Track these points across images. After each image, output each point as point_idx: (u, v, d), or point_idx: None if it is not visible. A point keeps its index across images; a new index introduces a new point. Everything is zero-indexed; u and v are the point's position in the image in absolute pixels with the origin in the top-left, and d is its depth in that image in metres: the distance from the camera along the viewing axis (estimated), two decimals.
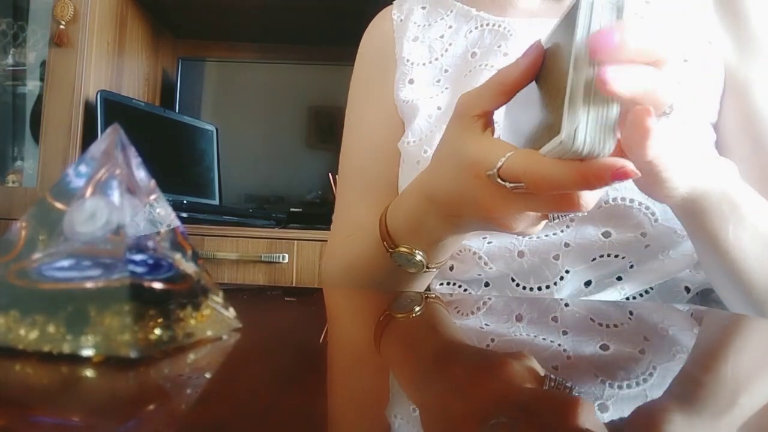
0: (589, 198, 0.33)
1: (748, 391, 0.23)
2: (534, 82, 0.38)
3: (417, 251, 0.47)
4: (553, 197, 0.34)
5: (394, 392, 0.21)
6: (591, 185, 0.31)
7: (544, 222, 0.40)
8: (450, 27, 0.65)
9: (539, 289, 0.55)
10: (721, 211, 0.44)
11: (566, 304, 0.46)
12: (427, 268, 0.48)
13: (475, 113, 0.39)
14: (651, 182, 0.39)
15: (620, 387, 0.22)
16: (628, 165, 0.30)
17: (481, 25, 0.63)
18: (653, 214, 0.51)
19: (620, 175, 0.30)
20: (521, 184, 0.34)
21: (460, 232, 0.46)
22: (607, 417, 0.18)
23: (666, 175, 0.38)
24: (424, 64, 0.65)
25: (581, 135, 0.30)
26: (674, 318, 0.43)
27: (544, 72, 0.36)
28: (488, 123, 0.40)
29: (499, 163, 0.35)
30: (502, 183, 0.35)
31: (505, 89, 0.38)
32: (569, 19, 0.33)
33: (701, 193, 0.42)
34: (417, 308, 0.41)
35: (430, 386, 0.21)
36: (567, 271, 0.54)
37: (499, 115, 0.42)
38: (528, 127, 0.37)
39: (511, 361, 0.26)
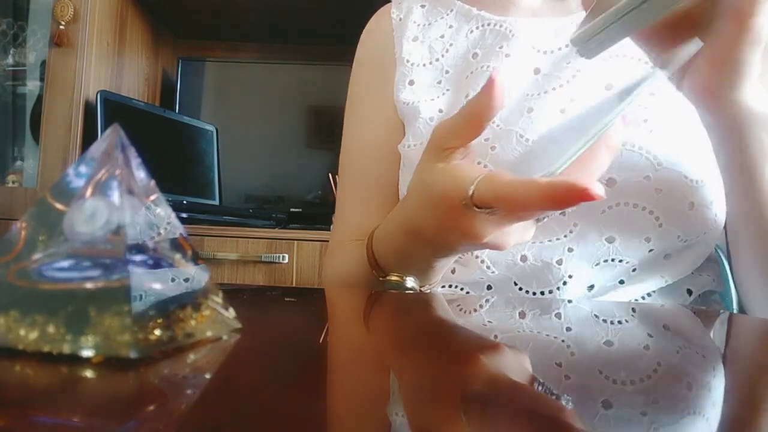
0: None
1: (751, 388, 0.23)
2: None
3: (408, 278, 0.48)
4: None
5: (395, 391, 0.21)
6: (558, 206, 0.32)
7: (534, 227, 0.41)
8: (450, 27, 0.65)
9: (542, 293, 0.55)
10: (761, 141, 0.43)
11: (569, 301, 0.46)
12: (420, 290, 0.49)
13: (451, 146, 0.39)
14: (726, 75, 0.39)
15: (624, 383, 0.22)
16: (593, 188, 0.30)
17: (482, 25, 0.63)
18: (658, 218, 0.51)
19: (586, 198, 0.30)
20: (496, 209, 0.35)
21: (452, 256, 0.46)
22: (612, 414, 0.18)
23: (743, 67, 0.38)
24: (424, 65, 0.64)
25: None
26: (677, 315, 0.43)
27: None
28: (464, 153, 0.40)
29: (470, 191, 0.36)
30: (479, 210, 0.36)
31: (478, 121, 0.38)
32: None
33: (750, 111, 0.41)
34: (419, 307, 0.41)
35: (432, 385, 0.21)
36: (570, 276, 0.53)
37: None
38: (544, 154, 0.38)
39: (512, 358, 0.26)
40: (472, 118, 0.38)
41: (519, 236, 0.40)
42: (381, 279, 0.49)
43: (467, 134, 0.39)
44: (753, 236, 0.48)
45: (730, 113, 0.42)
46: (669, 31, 0.40)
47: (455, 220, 0.38)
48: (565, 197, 0.31)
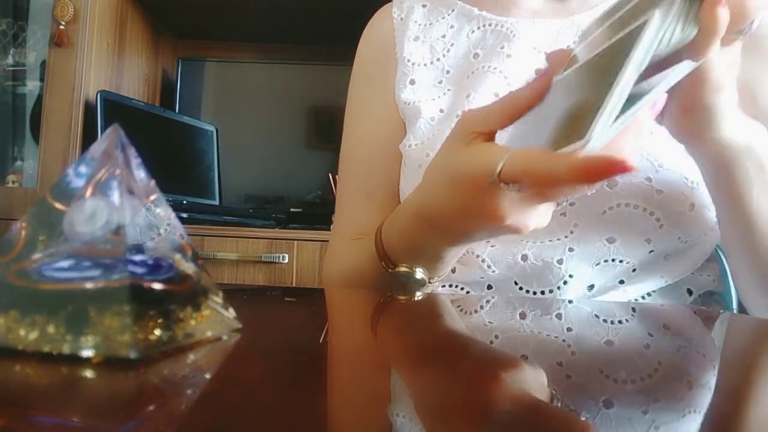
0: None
1: (751, 387, 0.23)
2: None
3: (417, 269, 0.47)
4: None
5: (395, 392, 0.21)
6: (593, 180, 0.31)
7: (550, 214, 0.40)
8: (451, 27, 0.65)
9: (542, 293, 0.55)
10: (746, 170, 0.44)
11: (570, 302, 0.46)
12: (429, 282, 0.48)
13: (479, 131, 0.39)
14: (699, 121, 0.40)
15: (625, 382, 0.22)
16: (629, 160, 0.29)
17: (484, 26, 0.63)
18: (658, 219, 0.51)
19: (621, 170, 0.29)
20: (524, 184, 0.34)
21: (466, 244, 0.46)
22: (613, 413, 0.18)
23: (713, 111, 0.39)
24: (425, 65, 0.64)
25: (597, 141, 0.31)
26: (677, 315, 0.43)
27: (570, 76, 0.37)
28: (489, 139, 0.40)
29: (499, 168, 0.35)
30: (506, 187, 0.35)
31: (516, 111, 0.38)
32: (619, 29, 0.33)
33: (732, 144, 0.42)
34: (418, 308, 0.41)
35: (432, 385, 0.21)
36: (570, 276, 0.53)
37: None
38: (539, 129, 0.37)
39: (513, 361, 0.26)
40: (511, 106, 0.38)
41: (537, 220, 0.39)
42: (390, 270, 0.49)
43: (499, 120, 0.39)
44: (746, 257, 0.49)
45: (713, 150, 0.43)
46: None
47: (478, 199, 0.38)
48: (600, 170, 0.30)
